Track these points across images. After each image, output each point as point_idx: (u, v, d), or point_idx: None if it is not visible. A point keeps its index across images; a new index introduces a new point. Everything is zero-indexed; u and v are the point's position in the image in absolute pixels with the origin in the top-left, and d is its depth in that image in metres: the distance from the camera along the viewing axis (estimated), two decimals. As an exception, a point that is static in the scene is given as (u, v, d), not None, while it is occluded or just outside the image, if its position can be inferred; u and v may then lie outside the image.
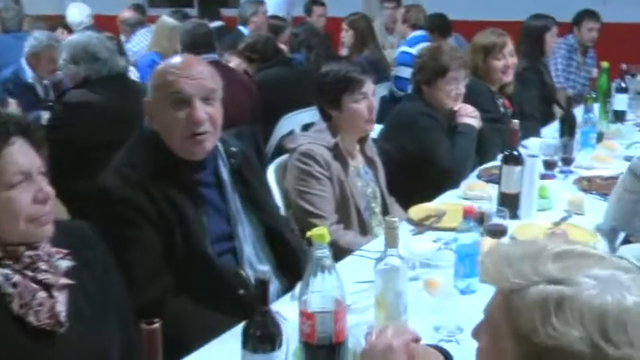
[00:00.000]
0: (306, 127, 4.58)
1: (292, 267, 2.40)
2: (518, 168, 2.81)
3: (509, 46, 3.93)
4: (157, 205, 2.19)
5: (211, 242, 2.26)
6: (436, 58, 3.40)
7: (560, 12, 6.16)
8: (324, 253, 1.59)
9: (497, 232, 2.52)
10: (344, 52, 6.11)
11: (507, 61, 3.91)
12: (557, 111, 4.85)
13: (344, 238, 2.82)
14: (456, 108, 3.47)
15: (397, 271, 1.85)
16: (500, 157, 3.58)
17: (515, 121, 2.85)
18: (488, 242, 2.42)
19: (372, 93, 2.97)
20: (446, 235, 2.59)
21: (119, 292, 1.93)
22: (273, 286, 2.34)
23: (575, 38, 6.09)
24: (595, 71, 4.43)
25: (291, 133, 4.51)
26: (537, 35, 4.91)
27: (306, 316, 1.61)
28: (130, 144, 2.33)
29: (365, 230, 2.95)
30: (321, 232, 1.58)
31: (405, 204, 3.17)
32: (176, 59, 2.35)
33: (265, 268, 1.52)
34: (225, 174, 2.37)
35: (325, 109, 2.98)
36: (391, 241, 1.84)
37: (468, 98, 3.55)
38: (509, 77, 3.95)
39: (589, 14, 6.07)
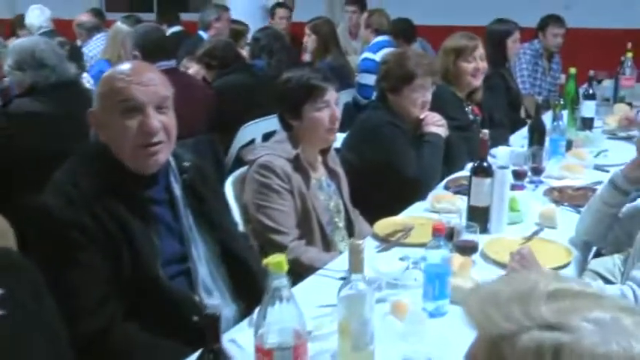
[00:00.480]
0: (267, 136, 4.43)
1: (250, 288, 2.23)
2: (487, 180, 2.68)
3: (480, 50, 3.84)
4: (103, 225, 2.01)
5: (163, 264, 2.10)
6: (402, 64, 3.27)
7: (524, 17, 6.10)
8: (281, 282, 1.44)
9: (468, 248, 2.41)
10: (307, 57, 5.97)
11: (478, 65, 3.82)
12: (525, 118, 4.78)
13: (306, 254, 2.68)
14: (422, 116, 3.34)
15: (363, 298, 1.71)
16: (468, 166, 3.51)
17: (485, 131, 2.72)
18: (458, 260, 2.29)
19: (335, 101, 2.83)
20: (414, 252, 2.45)
21: (52, 321, 1.75)
22: (230, 309, 2.19)
23: (541, 44, 6.03)
24: (563, 77, 4.34)
25: (252, 142, 4.36)
26: (499, 40, 4.83)
27: (262, 352, 1.46)
28: (73, 159, 2.15)
29: (328, 246, 2.81)
30: (278, 259, 1.43)
31: (370, 217, 3.04)
32: (125, 65, 2.19)
33: (216, 302, 1.37)
34: (177, 190, 2.21)
35: (286, 119, 2.84)
36: (356, 266, 1.69)
37: (435, 105, 3.43)
38: (478, 81, 3.85)
39: (554, 20, 6.01)
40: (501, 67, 4.78)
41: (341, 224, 2.94)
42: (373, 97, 5.63)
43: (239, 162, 4.06)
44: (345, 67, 5.79)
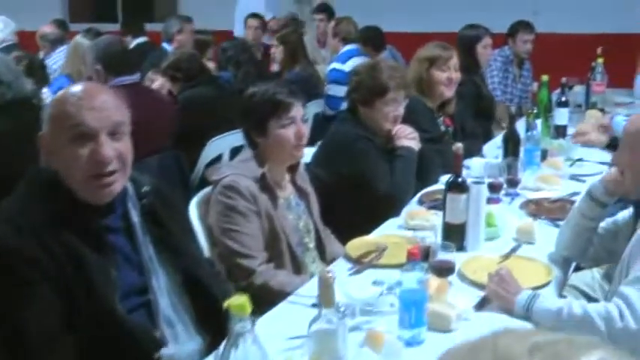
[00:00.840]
0: (235, 151, 4.29)
1: (216, 319, 2.09)
2: (463, 196, 2.58)
3: (455, 60, 3.76)
4: (55, 258, 1.86)
5: (121, 297, 1.95)
6: (374, 76, 3.16)
7: (494, 23, 6.03)
8: (244, 327, 1.31)
9: (444, 269, 2.31)
10: (275, 67, 5.84)
11: (451, 74, 3.73)
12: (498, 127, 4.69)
13: (275, 278, 2.55)
14: (394, 130, 3.23)
15: (334, 334, 1.59)
16: (442, 180, 3.41)
17: (459, 145, 2.62)
18: (434, 282, 2.18)
19: (302, 118, 2.71)
20: (387, 276, 2.34)
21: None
22: (194, 343, 2.06)
23: (511, 50, 5.96)
24: (535, 85, 4.26)
25: (219, 157, 4.22)
26: (469, 46, 4.75)
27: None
28: (23, 185, 2.00)
29: (299, 268, 2.69)
30: (240, 302, 1.30)
31: (342, 235, 2.93)
32: (76, 87, 2.03)
33: (171, 352, 1.24)
34: (135, 217, 2.07)
35: (250, 136, 2.72)
36: (327, 300, 1.57)
37: (406, 117, 3.33)
38: (451, 92, 3.76)
39: (523, 25, 5.95)
40: (474, 74, 4.70)
41: (311, 245, 2.82)
42: (342, 108, 5.60)
43: (205, 179, 3.93)
44: (314, 77, 5.68)
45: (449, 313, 2.04)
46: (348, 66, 5.78)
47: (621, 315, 1.98)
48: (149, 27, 7.20)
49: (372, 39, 6.49)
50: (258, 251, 2.59)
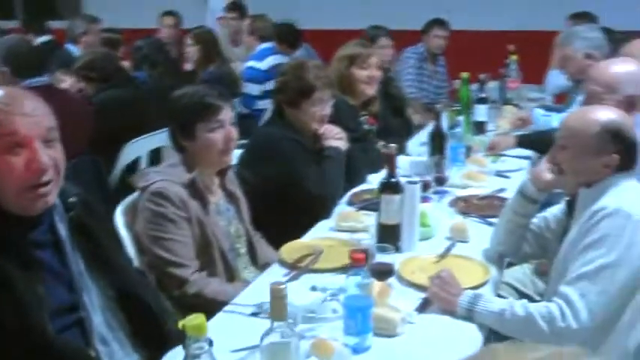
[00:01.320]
0: (153, 154, 4.18)
1: (153, 333, 2.01)
2: (397, 197, 2.56)
3: (375, 58, 3.74)
4: (-24, 275, 1.74)
5: (51, 316, 1.83)
6: (300, 77, 3.11)
7: (409, 21, 6.10)
8: (201, 348, 1.24)
9: (384, 272, 2.27)
10: (188, 66, 5.71)
11: (372, 72, 3.73)
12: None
13: (209, 287, 2.48)
14: (320, 130, 3.19)
15: (288, 347, 1.53)
16: (370, 179, 3.40)
17: (392, 145, 2.61)
18: (377, 286, 2.15)
19: (230, 121, 2.64)
20: (325, 279, 2.30)
21: None
22: (131, 360, 1.96)
23: (424, 47, 6.03)
24: (457, 82, 4.30)
25: (136, 161, 4.09)
26: None
27: None
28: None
29: (231, 275, 2.62)
30: (197, 322, 1.23)
31: (273, 239, 2.88)
32: (-1, 92, 1.89)
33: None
34: (63, 230, 1.94)
35: (178, 139, 2.62)
36: (279, 313, 1.52)
37: (330, 117, 3.29)
38: (372, 89, 3.76)
39: (437, 22, 6.04)
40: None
41: (243, 250, 2.75)
42: (257, 107, 5.54)
43: (124, 183, 3.79)
44: (231, 76, 5.58)
45: (394, 317, 2.01)
46: (265, 64, 5.74)
47: (563, 314, 2.00)
48: (52, 25, 6.92)
49: (288, 36, 6.44)
50: (190, 259, 2.50)
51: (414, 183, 2.63)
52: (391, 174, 2.59)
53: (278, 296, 1.49)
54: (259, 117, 5.27)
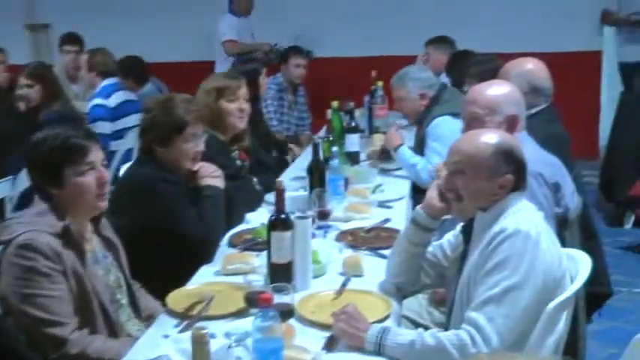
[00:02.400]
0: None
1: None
2: (288, 233, 2.64)
3: (244, 90, 3.82)
4: None
5: None
6: (169, 112, 3.14)
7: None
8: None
9: (284, 313, 2.34)
10: (22, 107, 5.50)
11: (242, 105, 3.80)
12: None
13: (92, 345, 2.44)
14: (195, 168, 3.23)
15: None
16: (248, 217, 3.47)
17: (280, 180, 2.68)
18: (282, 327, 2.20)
19: (102, 162, 2.63)
20: (225, 327, 2.33)
21: None
22: None
23: (284, 76, 6.18)
24: (328, 112, 4.46)
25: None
26: (253, 80, 4.84)
27: None
28: None
29: (114, 330, 2.58)
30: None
31: (153, 289, 2.88)
32: None
33: None
34: None
35: (44, 188, 2.57)
36: (201, 360, 1.54)
37: (202, 155, 3.33)
38: (243, 123, 3.83)
39: (294, 50, 6.22)
40: (253, 109, 4.83)
41: (124, 301, 2.72)
42: (111, 148, 5.46)
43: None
44: (75, 115, 5.46)
45: (305, 358, 2.08)
46: (112, 101, 5.66)
47: (473, 340, 2.14)
48: None
49: (133, 71, 6.42)
50: (67, 316, 2.45)
51: (305, 218, 2.72)
52: (280, 210, 2.66)
53: (200, 342, 1.52)
54: (111, 159, 5.19)
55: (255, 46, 7.27)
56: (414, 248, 2.63)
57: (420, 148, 4.39)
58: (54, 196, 2.57)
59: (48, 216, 2.54)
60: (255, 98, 4.87)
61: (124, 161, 5.10)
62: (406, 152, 4.30)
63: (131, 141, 5.44)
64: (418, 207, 2.68)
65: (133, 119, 5.42)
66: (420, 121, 4.45)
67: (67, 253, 2.49)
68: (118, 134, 5.58)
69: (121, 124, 5.63)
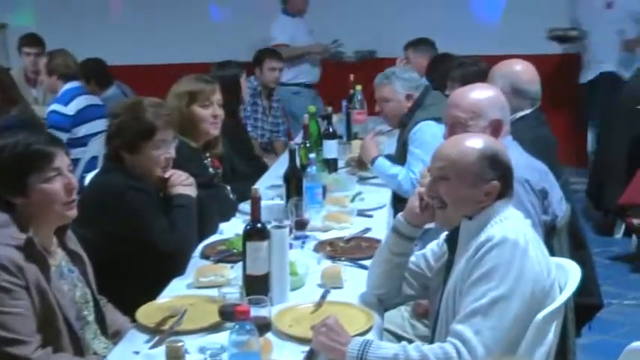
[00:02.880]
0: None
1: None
2: (264, 243, 2.65)
3: (218, 95, 3.83)
4: None
5: None
6: (138, 117, 3.14)
7: (231, 52, 6.25)
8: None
9: (261, 326, 2.34)
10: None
11: (216, 111, 3.80)
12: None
13: (57, 364, 2.43)
14: (166, 176, 3.23)
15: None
16: (222, 227, 3.48)
17: (255, 188, 2.70)
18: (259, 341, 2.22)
19: (68, 168, 2.63)
20: (199, 342, 2.34)
21: None
22: None
23: (258, 81, 6.20)
24: (305, 117, 4.48)
25: None
26: (235, 83, 4.87)
27: None
28: None
29: (80, 348, 2.57)
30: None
31: (122, 304, 2.88)
32: None
33: None
34: None
35: (5, 197, 2.57)
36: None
37: (173, 162, 3.33)
38: (216, 130, 3.83)
39: (269, 53, 6.24)
40: (237, 112, 4.86)
41: (91, 318, 2.72)
42: (73, 156, 5.42)
43: None
44: (35, 121, 5.43)
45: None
46: (71, 108, 5.61)
47: (459, 353, 2.17)
48: None
49: (95, 74, 6.41)
50: (30, 334, 2.43)
51: (282, 227, 2.73)
52: (256, 219, 2.68)
53: (176, 356, 1.54)
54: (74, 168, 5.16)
55: (307, 49, 7.37)
56: (396, 258, 2.65)
57: (402, 154, 4.41)
58: (17, 206, 2.56)
59: (10, 228, 2.52)
60: (237, 102, 4.92)
61: (87, 170, 5.09)
62: (384, 164, 4.29)
63: (96, 148, 5.43)
64: (399, 215, 2.71)
65: (98, 125, 5.41)
66: (403, 124, 4.46)
67: (30, 267, 2.48)
68: (81, 141, 5.55)
69: (83, 130, 5.60)
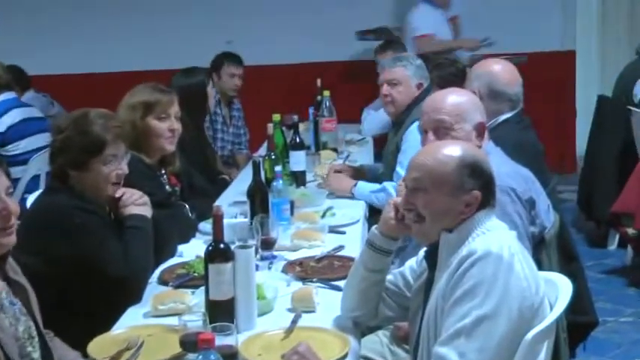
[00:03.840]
0: None
1: None
2: (228, 265, 2.67)
3: (176, 107, 3.84)
4: None
5: None
6: (85, 130, 3.14)
7: (182, 59, 6.26)
8: None
9: (227, 356, 2.36)
10: None
11: (173, 125, 3.82)
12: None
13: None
14: (117, 195, 3.24)
15: None
16: (182, 250, 3.49)
17: (218, 205, 2.72)
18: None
19: (7, 190, 2.62)
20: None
21: None
22: None
23: (216, 88, 6.21)
24: (269, 127, 4.49)
25: None
26: (202, 92, 4.88)
27: None
28: None
29: (25, 388, 2.57)
30: None
31: (70, 339, 2.85)
32: None
33: None
34: None
35: None
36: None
37: (124, 180, 3.34)
38: (172, 145, 3.84)
39: (229, 58, 6.25)
40: (202, 124, 4.89)
41: (36, 355, 2.69)
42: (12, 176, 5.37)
43: None
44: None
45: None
46: (4, 123, 5.52)
47: None
48: None
49: (20, 81, 6.43)
50: (-32, 376, 2.44)
51: (247, 247, 2.75)
52: (218, 239, 2.69)
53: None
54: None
55: (458, 43, 7.25)
56: (372, 275, 2.68)
57: (395, 155, 4.42)
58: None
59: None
60: (202, 113, 4.94)
61: (29, 190, 5.05)
62: (365, 187, 4.36)
63: (37, 166, 5.39)
64: (374, 227, 2.74)
65: (40, 140, 5.39)
66: (398, 123, 4.49)
67: (-33, 301, 2.48)
68: (20, 158, 5.47)
69: (21, 146, 5.52)
